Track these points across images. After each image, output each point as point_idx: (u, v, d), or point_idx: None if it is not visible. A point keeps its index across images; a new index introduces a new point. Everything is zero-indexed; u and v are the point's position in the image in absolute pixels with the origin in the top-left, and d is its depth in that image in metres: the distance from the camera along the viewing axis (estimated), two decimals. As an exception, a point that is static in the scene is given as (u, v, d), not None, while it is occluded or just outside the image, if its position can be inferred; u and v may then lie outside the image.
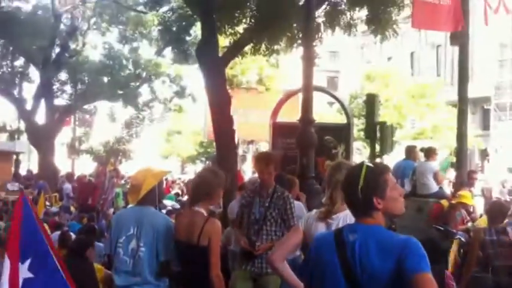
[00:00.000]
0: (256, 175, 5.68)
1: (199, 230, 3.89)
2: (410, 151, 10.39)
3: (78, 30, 24.14)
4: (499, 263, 5.76)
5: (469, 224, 7.18)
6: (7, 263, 3.65)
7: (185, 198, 17.99)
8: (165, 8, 15.04)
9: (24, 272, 3.65)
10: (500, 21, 10.10)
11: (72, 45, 24.11)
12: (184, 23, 13.99)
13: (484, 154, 33.51)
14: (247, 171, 22.49)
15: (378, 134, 11.47)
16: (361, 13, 12.03)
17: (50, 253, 3.74)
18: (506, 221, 6.63)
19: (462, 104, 9.84)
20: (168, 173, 18.15)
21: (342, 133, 11.42)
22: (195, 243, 3.91)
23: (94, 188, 13.28)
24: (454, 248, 5.77)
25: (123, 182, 17.39)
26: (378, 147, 11.94)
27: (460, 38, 9.56)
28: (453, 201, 7.52)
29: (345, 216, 3.34)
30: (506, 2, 10.01)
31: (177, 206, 13.16)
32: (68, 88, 24.64)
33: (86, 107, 26.46)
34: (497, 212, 6.20)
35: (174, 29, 14.28)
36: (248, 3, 11.84)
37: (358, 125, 23.42)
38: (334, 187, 3.46)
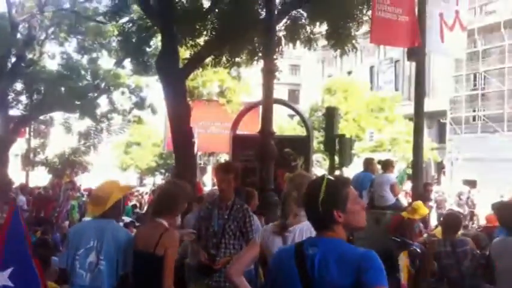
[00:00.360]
0: (216, 187, 5.64)
1: (157, 240, 3.88)
2: (368, 163, 10.54)
3: (35, 40, 23.64)
4: (454, 274, 5.85)
5: (425, 235, 7.28)
6: None
7: (144, 210, 17.75)
8: (125, 19, 14.86)
9: (4, 279, 3.66)
10: (456, 37, 10.32)
11: (29, 55, 23.59)
12: (144, 34, 13.88)
13: (440, 167, 34.33)
14: (208, 183, 22.39)
15: (337, 146, 11.59)
16: (322, 28, 12.21)
17: (32, 265, 3.75)
18: (460, 232, 6.79)
19: (418, 117, 9.98)
20: (133, 188, 17.83)
21: (301, 145, 11.49)
22: (151, 252, 3.89)
23: (48, 200, 12.96)
24: (405, 258, 5.84)
25: (78, 194, 17.03)
26: (337, 160, 12.06)
27: (416, 54, 9.74)
28: (414, 216, 7.58)
29: (301, 229, 3.34)
30: (462, 20, 10.27)
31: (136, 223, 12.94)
32: (24, 98, 24.09)
33: (41, 117, 25.89)
34: (451, 224, 6.32)
35: (134, 40, 14.12)
36: (209, 16, 11.85)
37: (318, 138, 23.66)
38: (285, 200, 3.47)
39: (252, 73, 17.12)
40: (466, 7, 10.94)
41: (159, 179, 42.79)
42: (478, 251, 6.14)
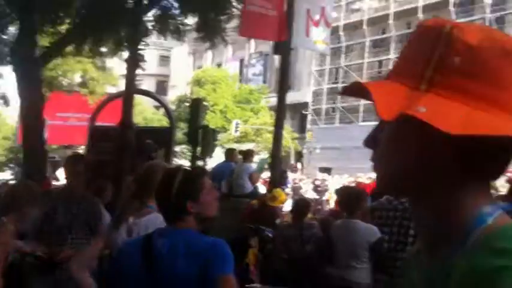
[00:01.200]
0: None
1: None
2: (229, 154, 10.84)
3: None
4: (300, 256, 6.29)
5: (277, 220, 7.67)
6: None
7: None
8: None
9: None
10: (321, 33, 10.88)
11: None
12: (1, 21, 12.95)
13: (299, 155, 35.94)
14: (61, 177, 21.47)
15: (201, 137, 11.73)
16: (194, 20, 12.20)
17: None
18: (309, 215, 7.30)
19: (280, 110, 10.30)
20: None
21: (163, 137, 11.41)
22: None
23: None
24: (254, 244, 6.18)
25: None
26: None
27: (283, 48, 10.00)
28: (275, 203, 7.89)
29: (147, 221, 3.33)
30: (327, 16, 10.80)
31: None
32: None
33: None
34: (300, 209, 6.79)
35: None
36: (72, 3, 11.36)
37: (184, 129, 23.66)
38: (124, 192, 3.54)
39: (118, 63, 16.71)
40: (332, 4, 11.45)
41: (8, 175, 40.08)
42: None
